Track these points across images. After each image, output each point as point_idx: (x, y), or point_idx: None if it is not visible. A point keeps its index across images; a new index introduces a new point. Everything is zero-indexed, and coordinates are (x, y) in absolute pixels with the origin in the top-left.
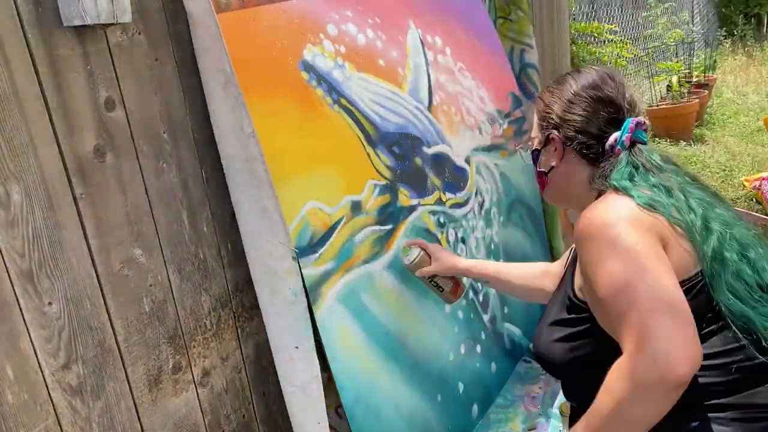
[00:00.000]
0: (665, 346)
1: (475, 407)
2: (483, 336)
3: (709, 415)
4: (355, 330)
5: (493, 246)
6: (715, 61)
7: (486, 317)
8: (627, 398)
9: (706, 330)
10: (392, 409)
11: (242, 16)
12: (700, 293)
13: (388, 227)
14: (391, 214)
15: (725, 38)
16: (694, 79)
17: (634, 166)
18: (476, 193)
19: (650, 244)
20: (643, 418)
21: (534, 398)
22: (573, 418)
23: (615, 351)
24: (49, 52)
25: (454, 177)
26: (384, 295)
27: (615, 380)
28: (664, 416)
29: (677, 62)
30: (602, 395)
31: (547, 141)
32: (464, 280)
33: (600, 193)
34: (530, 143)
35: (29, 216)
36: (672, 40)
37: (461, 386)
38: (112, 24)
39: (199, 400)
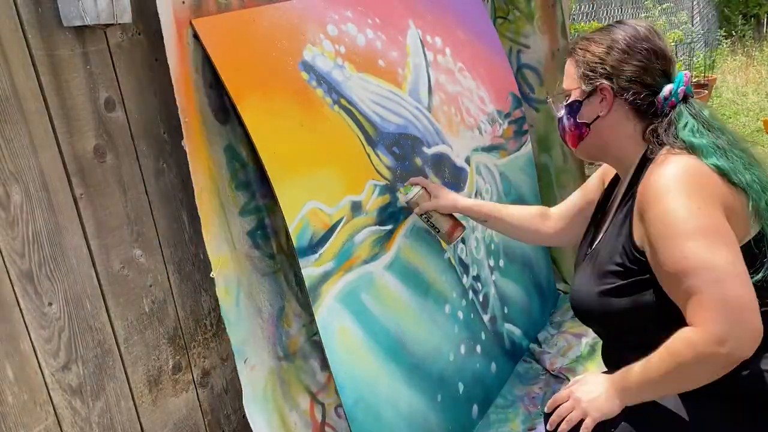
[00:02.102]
0: (734, 330)
1: (475, 407)
2: (483, 336)
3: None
4: (355, 330)
5: (493, 246)
6: (714, 62)
7: (486, 317)
8: (689, 363)
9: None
10: (392, 410)
11: (242, 16)
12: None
13: (388, 227)
14: (391, 215)
15: (725, 38)
16: (694, 80)
17: (694, 119)
18: (476, 193)
19: (722, 219)
20: (697, 380)
21: (534, 398)
22: (609, 358)
23: (672, 306)
24: (49, 52)
25: (454, 177)
26: (384, 295)
27: (680, 344)
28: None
29: (677, 63)
30: (664, 353)
31: (593, 91)
32: (465, 279)
33: (648, 149)
34: (566, 94)
35: (29, 216)
36: (671, 41)
37: (461, 386)
38: (112, 24)
39: (199, 400)
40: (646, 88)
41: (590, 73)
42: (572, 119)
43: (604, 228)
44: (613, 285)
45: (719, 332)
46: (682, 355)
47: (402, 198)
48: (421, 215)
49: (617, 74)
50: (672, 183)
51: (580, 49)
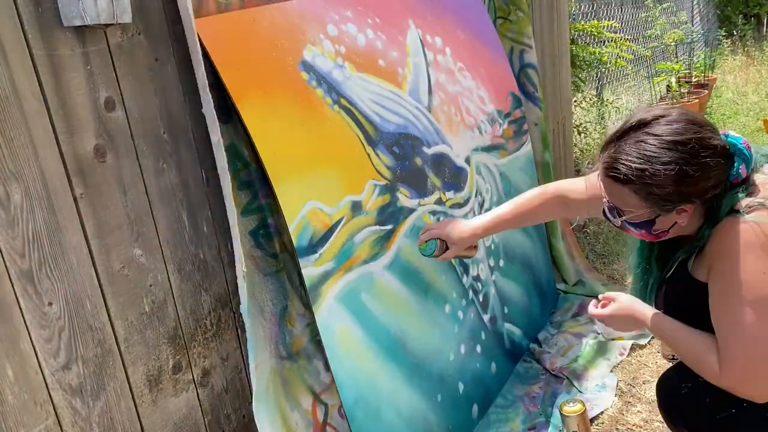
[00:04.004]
0: (747, 385)
1: (475, 407)
2: (483, 336)
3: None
4: (355, 330)
5: (493, 246)
6: (714, 62)
7: (486, 317)
8: (695, 359)
9: None
10: (392, 409)
11: (242, 17)
12: None
13: (388, 227)
14: (391, 215)
15: (725, 38)
16: (694, 79)
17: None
18: (476, 193)
19: None
20: (691, 365)
21: (534, 398)
22: None
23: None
24: (49, 52)
25: (454, 177)
26: (384, 295)
27: (700, 351)
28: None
29: (677, 62)
30: (689, 337)
31: (669, 212)
32: (465, 279)
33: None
34: (619, 213)
35: (29, 216)
36: (671, 41)
37: (461, 386)
38: (112, 24)
39: (199, 400)
40: (720, 182)
41: (666, 204)
42: (644, 230)
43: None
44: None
45: (732, 381)
46: (694, 352)
47: (423, 254)
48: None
49: (697, 195)
50: (743, 244)
51: (636, 178)
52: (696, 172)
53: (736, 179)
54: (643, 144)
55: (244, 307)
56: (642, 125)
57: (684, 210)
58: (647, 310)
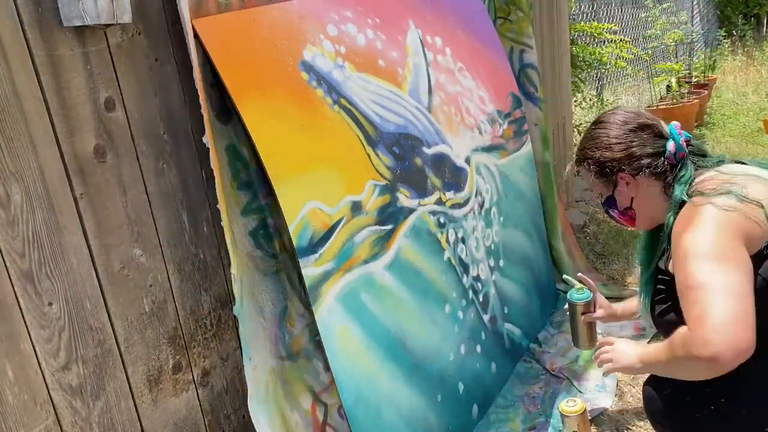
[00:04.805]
0: (719, 337)
1: (475, 407)
2: (483, 336)
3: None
4: (355, 330)
5: (493, 246)
6: (714, 62)
7: (486, 317)
8: (680, 357)
9: None
10: (392, 409)
11: (242, 17)
12: None
13: (388, 227)
14: (391, 215)
15: (725, 38)
16: (694, 80)
17: (698, 162)
18: (476, 193)
19: (732, 247)
20: (687, 373)
21: (534, 398)
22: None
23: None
24: (49, 53)
25: (454, 177)
26: (384, 295)
27: (677, 339)
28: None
29: (677, 63)
30: (667, 344)
31: (616, 183)
32: (465, 279)
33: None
34: (597, 197)
35: (29, 216)
36: (671, 41)
37: (461, 386)
38: (112, 24)
39: (199, 400)
40: (653, 156)
41: (606, 171)
42: (616, 210)
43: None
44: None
45: (706, 336)
46: (676, 350)
47: (572, 295)
48: (580, 314)
49: (626, 162)
50: (686, 221)
51: (584, 159)
52: (626, 140)
53: (670, 158)
54: (589, 132)
55: (236, 308)
56: (596, 122)
57: (625, 179)
58: (634, 357)
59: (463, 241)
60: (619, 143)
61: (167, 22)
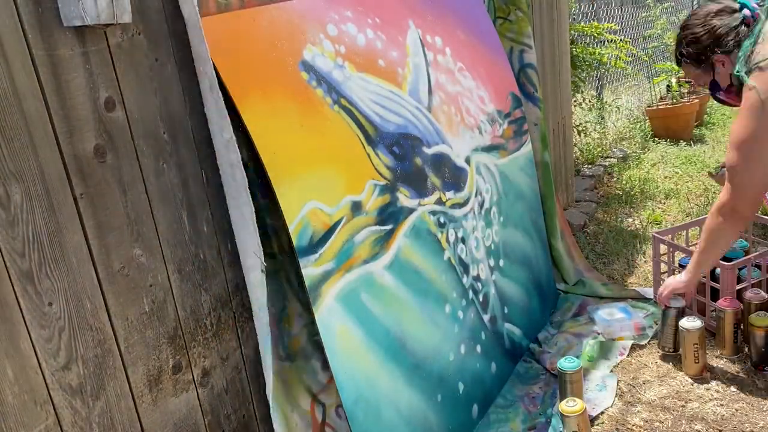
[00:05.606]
0: (737, 191)
1: (475, 407)
2: (483, 336)
3: None
4: (355, 330)
5: (493, 246)
6: None
7: (486, 317)
8: (712, 225)
9: None
10: (392, 409)
11: (242, 16)
12: None
13: (388, 227)
14: (391, 214)
15: None
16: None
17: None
18: (476, 193)
19: (757, 140)
20: (722, 236)
21: (534, 398)
22: None
23: None
24: (49, 52)
25: (454, 177)
26: (384, 295)
27: (709, 216)
28: None
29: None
30: (702, 234)
31: (713, 66)
32: (465, 279)
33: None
34: (704, 85)
35: (29, 216)
36: (672, 41)
37: (461, 386)
38: (112, 24)
39: (199, 400)
40: (735, 30)
41: (703, 58)
42: (722, 90)
43: None
44: None
45: (727, 194)
46: (709, 222)
47: (562, 364)
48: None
49: (716, 44)
50: (740, 110)
51: (680, 55)
52: (709, 27)
53: (757, 14)
54: (678, 36)
55: (262, 303)
56: (681, 26)
57: (720, 60)
58: (682, 274)
59: (463, 241)
60: (705, 32)
61: (167, 22)
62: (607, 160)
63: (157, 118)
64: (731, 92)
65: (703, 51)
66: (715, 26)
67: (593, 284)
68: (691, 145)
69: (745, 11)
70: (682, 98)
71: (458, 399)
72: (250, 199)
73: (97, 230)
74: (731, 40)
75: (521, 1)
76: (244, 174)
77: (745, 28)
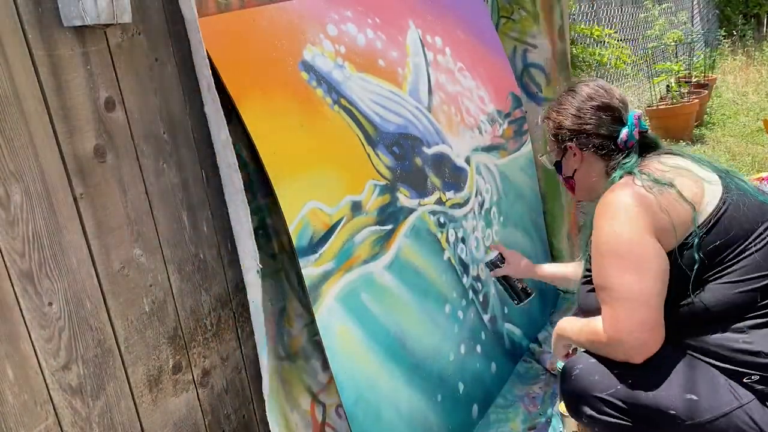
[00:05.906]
0: (624, 337)
1: (475, 407)
2: (483, 336)
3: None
4: (355, 330)
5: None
6: (714, 61)
7: (486, 317)
8: (597, 342)
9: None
10: (392, 409)
11: (242, 17)
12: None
13: (388, 227)
14: (391, 214)
15: (725, 38)
16: (694, 80)
17: (642, 151)
18: (476, 193)
19: (642, 238)
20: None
21: (534, 398)
22: None
23: None
24: (49, 52)
25: (454, 177)
26: (384, 295)
27: (595, 326)
28: None
29: (677, 63)
30: (585, 326)
31: (565, 151)
32: (465, 279)
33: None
34: (550, 157)
35: (29, 216)
36: (671, 41)
37: (461, 386)
38: (112, 24)
39: (199, 400)
40: (604, 138)
41: (558, 138)
42: (561, 176)
43: None
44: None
45: (613, 335)
46: (593, 337)
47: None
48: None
49: (577, 134)
50: (603, 209)
51: (547, 119)
52: (584, 116)
53: (620, 144)
54: (562, 94)
55: (258, 303)
56: (570, 87)
57: (573, 150)
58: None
59: (463, 240)
60: (576, 116)
61: (167, 22)
62: None
63: (157, 118)
64: (569, 183)
65: (563, 130)
66: (589, 120)
67: None
68: (691, 145)
69: (623, 133)
70: (681, 98)
71: (458, 399)
72: (246, 202)
73: (97, 230)
74: (593, 145)
75: (526, 0)
76: (240, 177)
77: (613, 147)
